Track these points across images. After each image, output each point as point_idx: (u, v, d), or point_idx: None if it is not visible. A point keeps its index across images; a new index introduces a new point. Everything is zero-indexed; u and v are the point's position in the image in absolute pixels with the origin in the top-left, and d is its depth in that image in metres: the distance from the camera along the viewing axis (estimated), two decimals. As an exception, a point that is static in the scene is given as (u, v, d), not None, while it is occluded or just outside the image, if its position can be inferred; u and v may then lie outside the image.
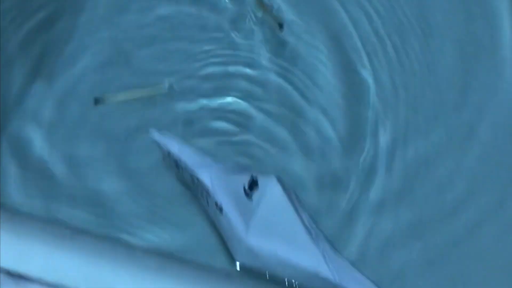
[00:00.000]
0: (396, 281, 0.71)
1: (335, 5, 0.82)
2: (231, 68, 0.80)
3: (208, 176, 0.69)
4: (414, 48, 0.80)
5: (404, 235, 0.73)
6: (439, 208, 0.74)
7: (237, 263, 0.68)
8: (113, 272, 0.34)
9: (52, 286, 0.33)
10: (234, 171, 0.68)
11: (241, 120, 0.78)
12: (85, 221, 0.72)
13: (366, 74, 0.79)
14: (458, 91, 0.79)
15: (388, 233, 0.73)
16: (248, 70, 0.80)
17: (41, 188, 0.75)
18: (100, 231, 0.45)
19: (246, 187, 0.66)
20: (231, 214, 0.67)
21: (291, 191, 0.66)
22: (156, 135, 0.72)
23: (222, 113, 0.78)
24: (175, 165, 0.72)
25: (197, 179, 0.69)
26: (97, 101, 0.77)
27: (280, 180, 0.65)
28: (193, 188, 0.72)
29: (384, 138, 0.77)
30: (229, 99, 0.79)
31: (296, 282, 0.65)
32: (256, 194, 0.65)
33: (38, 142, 0.76)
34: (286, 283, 0.65)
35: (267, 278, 0.66)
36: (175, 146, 0.71)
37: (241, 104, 0.78)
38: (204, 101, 0.79)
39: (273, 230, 0.65)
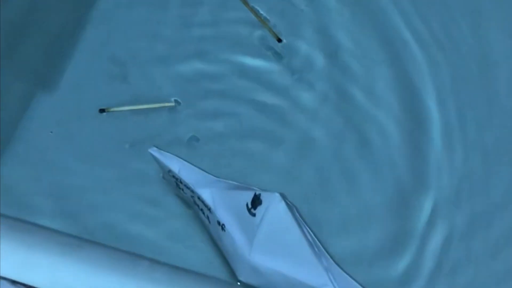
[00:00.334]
0: None
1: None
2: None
3: (209, 194, 0.69)
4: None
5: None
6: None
7: (238, 283, 0.68)
8: (119, 283, 0.33)
9: None
10: (235, 189, 0.68)
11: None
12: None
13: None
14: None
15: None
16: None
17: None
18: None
19: (249, 204, 0.65)
20: (234, 232, 0.66)
21: (293, 207, 0.66)
22: (156, 153, 0.71)
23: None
24: (176, 183, 0.72)
25: (198, 197, 0.69)
26: (102, 111, 0.79)
27: (283, 197, 0.64)
28: (194, 206, 0.71)
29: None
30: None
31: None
32: (259, 211, 0.64)
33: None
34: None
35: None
36: (175, 165, 0.70)
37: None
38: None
39: (276, 247, 0.64)
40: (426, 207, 0.73)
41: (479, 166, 0.75)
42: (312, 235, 0.66)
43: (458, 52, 0.80)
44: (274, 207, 0.64)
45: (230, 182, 0.70)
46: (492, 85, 0.79)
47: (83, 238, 0.37)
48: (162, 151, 0.72)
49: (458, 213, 0.73)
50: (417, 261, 0.71)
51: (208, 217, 0.69)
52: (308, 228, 0.66)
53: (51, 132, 0.79)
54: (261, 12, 0.83)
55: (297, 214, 0.65)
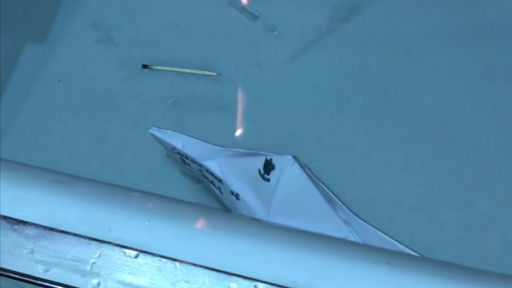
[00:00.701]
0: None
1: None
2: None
3: (217, 165, 0.68)
4: None
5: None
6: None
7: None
8: (111, 214, 0.34)
9: (49, 229, 0.33)
10: (244, 156, 0.68)
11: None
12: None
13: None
14: None
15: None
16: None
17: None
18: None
19: (262, 170, 0.65)
20: (249, 199, 0.66)
21: (305, 167, 0.66)
22: (157, 132, 0.70)
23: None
24: (181, 160, 0.71)
25: (207, 170, 0.68)
26: (144, 66, 0.81)
27: (295, 158, 0.65)
28: (203, 180, 0.71)
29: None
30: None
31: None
32: (273, 176, 0.64)
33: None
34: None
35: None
36: (179, 141, 0.70)
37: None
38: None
39: (294, 208, 0.65)
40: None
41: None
42: (327, 190, 0.67)
43: None
44: (288, 170, 0.64)
45: (237, 150, 0.70)
46: None
47: (74, 175, 0.37)
48: (162, 129, 0.71)
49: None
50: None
51: (219, 188, 0.69)
52: (322, 184, 0.66)
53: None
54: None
55: (309, 172, 0.65)
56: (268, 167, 0.65)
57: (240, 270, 0.33)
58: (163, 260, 0.33)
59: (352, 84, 0.80)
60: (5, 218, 0.33)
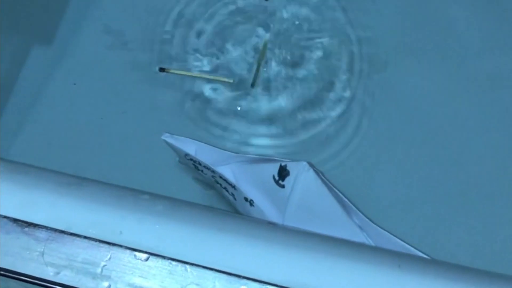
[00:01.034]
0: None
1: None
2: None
3: (230, 171, 0.68)
4: None
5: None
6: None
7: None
8: (120, 217, 0.34)
9: (59, 232, 0.33)
10: (257, 162, 0.67)
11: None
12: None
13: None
14: None
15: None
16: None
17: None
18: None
19: (276, 176, 0.65)
20: (263, 205, 0.66)
21: (320, 173, 0.66)
22: (170, 138, 0.70)
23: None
24: (194, 166, 0.71)
25: (220, 176, 0.68)
26: (161, 70, 0.81)
27: (311, 165, 0.64)
28: (217, 186, 0.71)
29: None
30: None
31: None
32: (288, 182, 0.64)
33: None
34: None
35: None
36: (191, 147, 0.69)
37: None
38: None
39: (309, 214, 0.65)
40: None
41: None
42: (342, 195, 0.66)
43: None
44: (304, 176, 0.63)
45: (250, 155, 0.70)
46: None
47: (82, 177, 0.37)
48: (175, 136, 0.71)
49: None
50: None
51: (233, 195, 0.69)
52: (336, 190, 0.66)
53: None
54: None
55: (324, 178, 0.65)
56: (283, 173, 0.65)
57: (251, 273, 0.32)
58: (174, 263, 0.33)
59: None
60: (16, 220, 0.33)
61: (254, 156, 0.69)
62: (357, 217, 0.67)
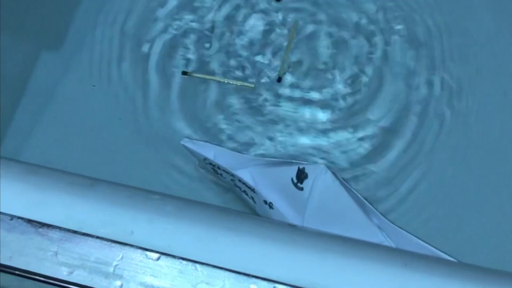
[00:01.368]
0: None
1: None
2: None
3: (249, 175, 0.68)
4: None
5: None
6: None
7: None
8: (131, 217, 0.34)
9: (72, 232, 0.34)
10: (275, 165, 0.68)
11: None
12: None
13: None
14: None
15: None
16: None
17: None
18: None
19: (294, 179, 0.65)
20: (283, 208, 0.66)
21: (337, 174, 0.66)
22: (189, 143, 0.71)
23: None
24: (213, 170, 0.71)
25: (239, 179, 0.68)
26: (184, 73, 0.82)
27: (328, 167, 0.64)
28: (236, 189, 0.71)
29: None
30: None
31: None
32: (306, 184, 0.64)
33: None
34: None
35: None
36: (210, 151, 0.70)
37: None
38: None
39: (328, 216, 0.65)
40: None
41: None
42: (360, 196, 0.66)
43: None
44: (322, 178, 0.63)
45: (268, 159, 0.70)
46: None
47: (94, 178, 0.38)
48: (194, 140, 0.72)
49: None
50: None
51: (252, 198, 0.69)
52: (354, 191, 0.66)
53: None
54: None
55: (342, 180, 0.65)
56: (301, 176, 0.65)
57: (260, 272, 0.33)
58: (184, 262, 0.33)
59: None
60: (30, 221, 0.34)
61: (272, 159, 0.70)
62: (376, 218, 0.67)
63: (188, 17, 0.85)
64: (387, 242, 0.66)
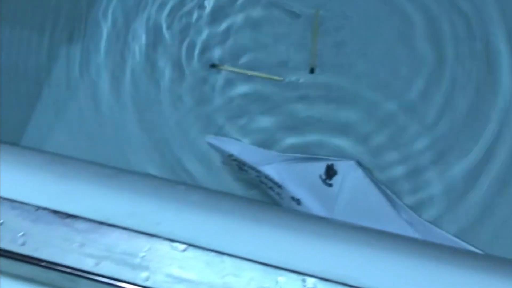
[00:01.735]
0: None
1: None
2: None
3: (274, 171, 0.68)
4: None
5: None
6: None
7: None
8: (157, 206, 0.34)
9: (98, 223, 0.34)
10: (303, 162, 0.67)
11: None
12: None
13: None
14: None
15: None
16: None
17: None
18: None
19: (323, 176, 0.64)
20: (311, 204, 0.65)
21: (367, 170, 0.65)
22: (213, 140, 0.70)
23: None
24: (238, 167, 0.71)
25: (265, 176, 0.68)
26: (212, 66, 0.82)
27: (359, 163, 0.64)
28: (262, 186, 0.70)
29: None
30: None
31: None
32: (336, 181, 0.63)
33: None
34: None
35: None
36: (235, 147, 0.70)
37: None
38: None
39: (357, 211, 0.64)
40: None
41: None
42: (389, 192, 0.65)
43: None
44: (352, 175, 0.63)
45: (293, 155, 0.69)
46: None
47: (119, 168, 0.37)
48: (218, 137, 0.71)
49: None
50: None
51: (279, 194, 0.68)
52: (384, 187, 0.65)
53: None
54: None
55: (372, 176, 0.64)
56: (330, 172, 0.64)
57: (288, 264, 0.32)
58: (211, 254, 0.33)
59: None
60: (56, 212, 0.34)
61: (298, 155, 0.69)
62: (406, 213, 0.66)
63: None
64: (414, 234, 0.65)
